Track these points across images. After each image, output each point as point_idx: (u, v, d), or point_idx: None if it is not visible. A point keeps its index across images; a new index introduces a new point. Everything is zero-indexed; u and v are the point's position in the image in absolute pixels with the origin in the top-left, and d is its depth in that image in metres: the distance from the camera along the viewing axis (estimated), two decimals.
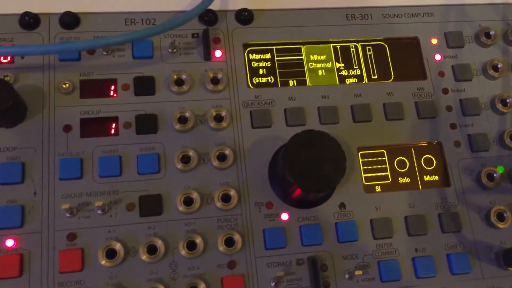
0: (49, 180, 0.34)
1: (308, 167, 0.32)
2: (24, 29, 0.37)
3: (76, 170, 0.34)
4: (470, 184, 0.38)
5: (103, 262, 0.32)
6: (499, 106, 0.40)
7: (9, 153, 0.34)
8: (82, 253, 0.32)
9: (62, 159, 0.34)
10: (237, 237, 0.34)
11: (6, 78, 0.35)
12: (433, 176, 0.38)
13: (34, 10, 0.37)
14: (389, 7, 0.42)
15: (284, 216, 0.35)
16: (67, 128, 0.35)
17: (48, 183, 0.34)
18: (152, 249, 0.33)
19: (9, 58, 0.36)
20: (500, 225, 0.37)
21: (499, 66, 0.41)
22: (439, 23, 0.43)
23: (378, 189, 0.37)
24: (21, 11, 0.37)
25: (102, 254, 0.32)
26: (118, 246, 0.33)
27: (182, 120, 0.36)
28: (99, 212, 0.33)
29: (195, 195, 0.34)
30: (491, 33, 0.42)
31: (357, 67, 0.40)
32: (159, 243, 0.33)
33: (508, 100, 0.40)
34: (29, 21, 0.36)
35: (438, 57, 0.41)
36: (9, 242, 0.32)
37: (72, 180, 0.34)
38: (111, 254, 0.33)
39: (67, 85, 0.35)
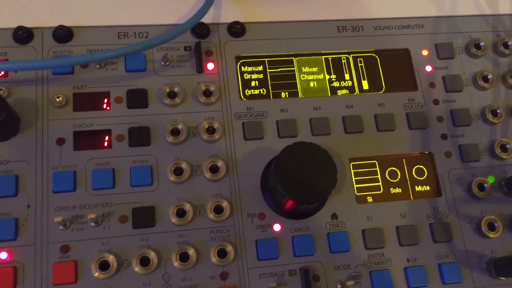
0: (42, 193, 0.34)
1: (299, 179, 0.33)
2: (17, 43, 0.37)
3: (70, 183, 0.34)
4: (461, 194, 0.39)
5: (96, 274, 0.32)
6: (490, 116, 0.40)
7: (3, 166, 0.34)
8: (76, 265, 0.33)
9: (56, 172, 0.34)
10: (229, 248, 0.34)
11: None
12: (425, 186, 0.39)
13: (28, 24, 0.38)
14: (380, 19, 0.43)
15: (277, 227, 0.36)
16: (61, 141, 0.35)
17: (42, 196, 0.34)
18: (145, 261, 0.33)
19: (2, 72, 0.36)
20: (491, 235, 0.37)
21: (489, 77, 0.41)
22: (430, 34, 0.43)
23: (370, 199, 0.38)
24: (15, 26, 0.37)
25: (95, 266, 0.32)
26: (111, 258, 0.33)
27: (175, 132, 0.36)
28: (92, 224, 0.33)
29: (187, 206, 0.34)
30: (481, 44, 0.42)
31: (348, 78, 0.41)
32: (152, 255, 0.33)
33: (498, 111, 0.40)
34: (23, 35, 0.37)
35: (428, 68, 0.42)
36: (3, 255, 0.32)
37: (66, 193, 0.34)
38: (104, 266, 0.33)
39: (60, 98, 0.36)
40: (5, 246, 0.33)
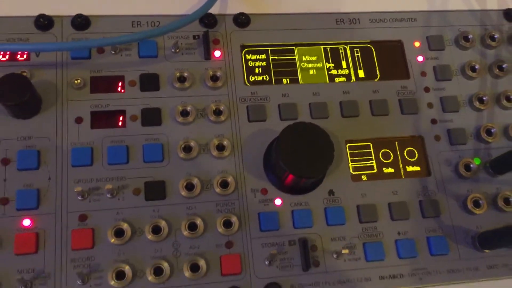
0: (62, 166, 0.36)
1: (299, 155, 0.35)
2: (39, 30, 0.40)
3: (87, 158, 0.37)
4: (449, 174, 0.41)
5: (112, 241, 0.35)
6: (476, 103, 0.43)
7: (26, 142, 0.36)
8: (93, 233, 0.35)
9: (74, 148, 0.37)
10: (234, 220, 0.37)
11: (23, 74, 0.38)
12: (415, 167, 0.41)
13: (48, 12, 0.40)
14: (376, 13, 0.45)
15: (278, 202, 0.38)
16: (79, 120, 0.38)
17: (62, 169, 0.36)
18: (156, 230, 0.36)
19: (25, 55, 0.38)
20: (476, 211, 0.40)
21: (476, 67, 0.44)
22: (422, 27, 0.45)
23: (364, 178, 0.40)
24: (36, 14, 0.40)
25: (111, 233, 0.35)
26: (125, 226, 0.35)
27: (184, 113, 0.39)
28: (108, 195, 0.36)
29: (196, 181, 0.37)
30: (469, 37, 0.45)
31: (345, 67, 0.43)
32: (163, 224, 0.36)
33: (484, 98, 0.43)
34: (44, 22, 0.39)
35: (420, 58, 0.44)
36: (26, 222, 0.35)
37: (84, 167, 0.37)
38: (119, 233, 0.35)
39: (79, 81, 0.38)
40: (28, 214, 0.35)
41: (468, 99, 0.44)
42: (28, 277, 0.33)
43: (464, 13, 0.47)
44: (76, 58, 0.39)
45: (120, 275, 0.34)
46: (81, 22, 0.40)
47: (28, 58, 0.39)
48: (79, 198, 0.36)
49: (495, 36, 0.45)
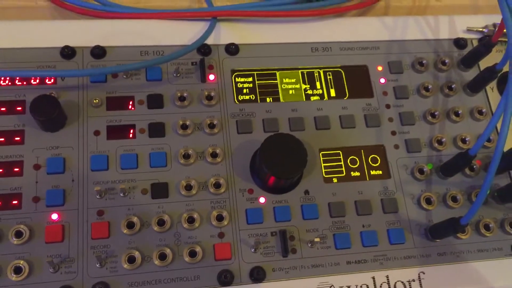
0: (83, 171, 0.42)
1: (279, 160, 0.41)
2: (63, 59, 0.45)
3: (104, 164, 0.42)
4: (406, 177, 0.46)
5: (124, 231, 0.40)
6: (429, 118, 0.48)
7: (54, 151, 0.42)
8: (109, 225, 0.41)
9: (93, 155, 0.43)
10: (225, 214, 0.42)
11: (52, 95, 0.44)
12: (378, 171, 0.46)
13: (72, 44, 0.46)
14: (345, 42, 0.50)
15: (262, 200, 0.44)
16: (97, 133, 0.44)
17: (83, 173, 0.42)
18: (161, 222, 0.41)
19: (52, 80, 0.44)
20: (428, 208, 0.45)
21: (429, 87, 0.49)
22: (384, 54, 0.51)
23: (335, 180, 0.45)
24: (62, 45, 0.45)
25: (124, 225, 0.40)
26: (135, 220, 0.41)
27: (184, 127, 0.44)
28: (121, 194, 0.42)
29: (193, 183, 0.43)
30: (424, 62, 0.50)
31: (319, 87, 0.49)
32: (166, 218, 0.41)
33: (436, 113, 0.48)
34: (68, 52, 0.45)
35: (382, 80, 0.49)
36: (54, 216, 0.40)
37: (101, 171, 0.42)
38: (130, 225, 0.41)
39: (97, 100, 0.44)
40: (56, 210, 0.41)
41: (422, 114, 0.49)
42: (56, 261, 0.39)
43: (420, 41, 0.52)
44: (94, 82, 0.45)
45: (131, 260, 0.40)
46: (98, 52, 0.46)
47: (55, 82, 0.44)
48: (97, 196, 0.41)
49: (446, 61, 0.50)
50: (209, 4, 0.52)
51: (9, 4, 0.52)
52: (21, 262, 0.39)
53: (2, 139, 0.42)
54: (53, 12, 0.52)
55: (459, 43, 0.53)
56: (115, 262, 0.40)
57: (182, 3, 0.54)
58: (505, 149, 0.45)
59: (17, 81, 0.45)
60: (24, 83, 0.45)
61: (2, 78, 0.44)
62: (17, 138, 0.43)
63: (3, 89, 0.44)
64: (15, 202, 0.41)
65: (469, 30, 0.53)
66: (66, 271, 0.39)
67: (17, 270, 0.39)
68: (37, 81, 0.45)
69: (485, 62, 0.50)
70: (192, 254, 0.41)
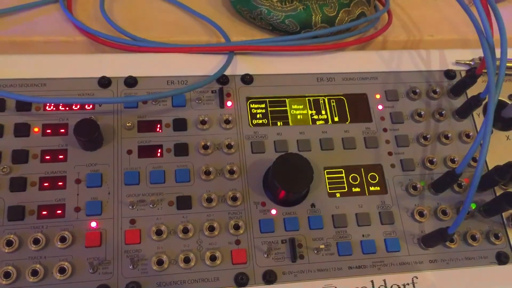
0: (118, 185, 0.47)
1: (288, 176, 0.46)
2: (101, 87, 0.51)
3: (135, 179, 0.48)
4: (401, 193, 0.51)
5: (154, 238, 0.45)
6: (422, 140, 0.53)
7: (92, 167, 0.48)
8: (140, 232, 0.46)
9: (126, 171, 0.48)
10: (241, 224, 0.47)
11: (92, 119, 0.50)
12: (376, 187, 0.51)
13: (108, 75, 0.51)
14: (347, 73, 0.55)
15: (273, 211, 0.48)
16: (129, 152, 0.49)
17: (118, 187, 0.47)
18: (185, 230, 0.46)
19: (91, 106, 0.50)
20: (421, 220, 0.50)
21: (422, 113, 0.54)
22: (381, 84, 0.55)
23: (338, 195, 0.50)
24: (100, 75, 0.51)
25: (153, 233, 0.46)
26: (163, 228, 0.46)
27: (205, 147, 0.49)
28: (151, 206, 0.47)
29: (213, 196, 0.47)
30: (417, 91, 0.55)
31: (324, 113, 0.53)
32: (190, 226, 0.46)
33: (428, 136, 0.53)
34: (105, 82, 0.51)
35: (380, 107, 0.54)
36: (93, 224, 0.45)
37: (133, 185, 0.47)
38: (159, 233, 0.46)
39: (130, 124, 0.50)
40: (94, 218, 0.46)
41: (416, 137, 0.53)
42: (95, 263, 0.44)
43: (414, 73, 0.57)
44: (127, 107, 0.50)
45: (160, 262, 0.45)
46: (131, 81, 0.51)
47: (93, 108, 0.50)
48: (130, 207, 0.46)
49: (437, 90, 0.56)
50: (227, 40, 0.58)
51: (51, 39, 0.59)
52: (65, 263, 0.44)
53: (48, 157, 0.48)
54: (89, 46, 0.59)
55: (449, 74, 0.58)
56: (146, 265, 0.45)
57: (203, 38, 0.60)
58: (490, 167, 0.51)
59: (60, 107, 0.51)
60: (67, 108, 0.51)
61: (48, 104, 0.50)
62: (61, 156, 0.49)
63: (49, 114, 0.50)
64: (59, 211, 0.46)
65: (457, 63, 0.59)
66: (103, 272, 0.45)
67: (62, 271, 0.44)
68: (78, 107, 0.51)
69: (472, 91, 0.56)
70: (213, 258, 0.46)
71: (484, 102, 0.54)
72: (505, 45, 0.48)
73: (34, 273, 0.44)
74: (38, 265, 0.44)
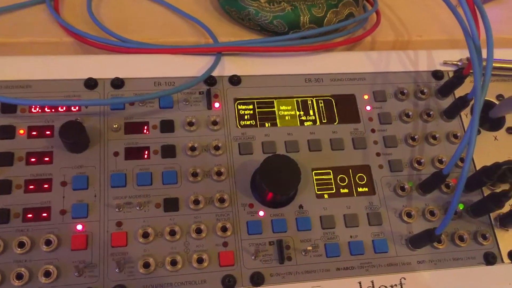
0: (104, 187, 0.47)
1: (276, 178, 0.46)
2: (87, 89, 0.51)
3: (122, 181, 0.47)
4: (389, 193, 0.51)
5: (140, 240, 0.45)
6: (410, 141, 0.53)
7: (78, 169, 0.48)
8: (127, 235, 0.46)
9: (113, 173, 0.48)
10: (229, 226, 0.47)
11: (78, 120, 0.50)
12: (364, 188, 0.51)
13: (94, 76, 0.51)
14: (335, 74, 0.56)
15: (261, 213, 0.48)
16: (116, 154, 0.49)
17: (104, 189, 0.47)
18: (172, 233, 0.46)
19: (77, 107, 0.50)
20: (409, 221, 0.50)
21: (410, 114, 0.54)
22: (369, 84, 0.56)
23: (326, 196, 0.50)
24: (86, 77, 0.51)
25: (140, 235, 0.46)
26: (150, 230, 0.46)
27: (193, 149, 0.49)
28: (137, 208, 0.47)
29: (201, 198, 0.47)
30: (405, 91, 0.55)
31: (312, 114, 0.54)
32: (177, 229, 0.46)
33: (416, 137, 0.53)
34: (91, 83, 0.51)
35: (368, 107, 0.54)
36: (79, 227, 0.45)
37: (119, 188, 0.47)
38: (145, 235, 0.45)
39: (116, 125, 0.49)
40: (80, 221, 0.45)
41: (404, 137, 0.54)
42: (81, 266, 0.44)
43: (402, 73, 0.57)
44: (114, 109, 0.50)
45: (146, 265, 0.45)
46: (117, 83, 0.51)
47: (79, 109, 0.50)
48: (116, 210, 0.46)
49: (425, 91, 0.56)
50: (214, 41, 0.58)
51: (38, 40, 0.59)
52: (50, 267, 0.44)
53: (34, 159, 0.48)
54: (76, 47, 0.59)
55: (437, 74, 0.58)
56: (132, 268, 0.45)
57: (191, 39, 0.60)
58: (478, 167, 0.51)
59: (46, 108, 0.51)
60: (53, 110, 0.51)
61: (33, 106, 0.50)
62: (47, 159, 0.48)
63: (34, 116, 0.50)
64: (44, 214, 0.46)
65: (445, 63, 0.60)
66: (89, 275, 0.45)
67: (47, 274, 0.44)
68: (64, 108, 0.51)
69: (460, 91, 0.57)
70: (200, 260, 0.46)
71: (471, 103, 0.54)
72: (491, 46, 0.49)
73: (19, 276, 0.43)
74: (23, 269, 0.44)
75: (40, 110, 0.50)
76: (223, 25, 0.62)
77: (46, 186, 0.47)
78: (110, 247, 0.46)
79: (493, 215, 0.52)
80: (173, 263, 0.46)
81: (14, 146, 0.48)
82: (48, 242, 0.45)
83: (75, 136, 0.47)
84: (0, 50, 0.58)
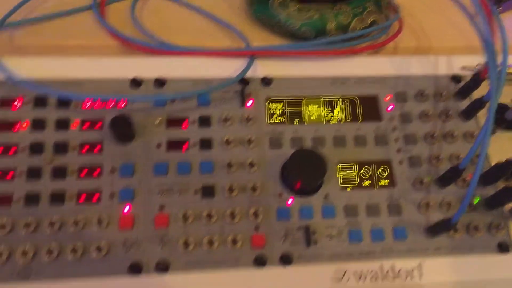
0: (148, 175, 0.52)
1: (303, 169, 0.50)
2: (132, 88, 0.55)
3: (164, 170, 0.51)
4: (408, 186, 0.54)
5: (180, 222, 0.50)
6: (429, 139, 0.56)
7: (126, 159, 0.53)
8: (168, 217, 0.50)
9: (156, 163, 0.52)
10: (260, 211, 0.51)
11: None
12: (385, 181, 0.54)
13: (139, 76, 0.56)
14: (360, 77, 0.59)
15: (290, 201, 0.51)
16: (159, 145, 0.53)
17: (147, 177, 0.52)
18: (209, 217, 0.50)
19: (124, 103, 0.55)
20: (427, 212, 0.53)
21: (429, 114, 0.57)
22: (392, 86, 0.59)
23: (349, 188, 0.53)
24: (131, 77, 0.55)
25: (180, 218, 0.50)
26: (189, 213, 0.50)
27: (228, 142, 0.54)
28: (178, 194, 0.51)
29: (235, 186, 0.53)
30: (424, 93, 0.58)
31: (337, 113, 0.58)
32: (213, 213, 0.51)
33: (434, 135, 0.57)
34: (136, 82, 0.56)
35: (390, 107, 0.57)
36: (126, 209, 0.51)
37: (162, 176, 0.52)
38: (186, 218, 0.50)
39: (159, 120, 0.55)
40: (127, 204, 0.51)
41: (423, 135, 0.56)
42: (127, 244, 0.49)
43: (422, 77, 0.60)
44: (157, 105, 0.55)
45: (186, 244, 0.49)
46: (160, 82, 0.56)
47: (126, 106, 0.55)
48: (159, 195, 0.52)
49: (443, 93, 0.59)
50: (248, 45, 0.63)
51: (86, 44, 0.64)
52: (102, 243, 0.49)
53: (86, 149, 0.54)
54: (120, 49, 0.64)
55: (455, 78, 0.61)
56: (173, 246, 0.50)
57: (225, 43, 0.65)
58: (493, 163, 0.55)
59: (96, 104, 0.56)
60: (102, 106, 0.56)
61: (85, 102, 0.56)
62: (97, 149, 0.54)
63: (86, 111, 0.55)
64: (96, 197, 0.51)
65: (463, 68, 0.63)
66: (135, 251, 0.50)
67: (98, 249, 0.49)
68: (112, 104, 0.56)
69: (477, 93, 0.60)
70: (234, 242, 0.50)
71: (487, 105, 0.58)
72: (506, 53, 0.52)
73: (74, 251, 0.48)
74: (78, 243, 0.48)
75: (90, 106, 0.56)
76: (255, 31, 0.66)
77: (96, 172, 0.52)
78: (153, 228, 0.50)
79: (507, 207, 0.55)
80: (210, 243, 0.50)
81: (68, 137, 0.54)
82: (99, 222, 0.50)
83: (124, 128, 0.52)
84: (52, 52, 0.64)
